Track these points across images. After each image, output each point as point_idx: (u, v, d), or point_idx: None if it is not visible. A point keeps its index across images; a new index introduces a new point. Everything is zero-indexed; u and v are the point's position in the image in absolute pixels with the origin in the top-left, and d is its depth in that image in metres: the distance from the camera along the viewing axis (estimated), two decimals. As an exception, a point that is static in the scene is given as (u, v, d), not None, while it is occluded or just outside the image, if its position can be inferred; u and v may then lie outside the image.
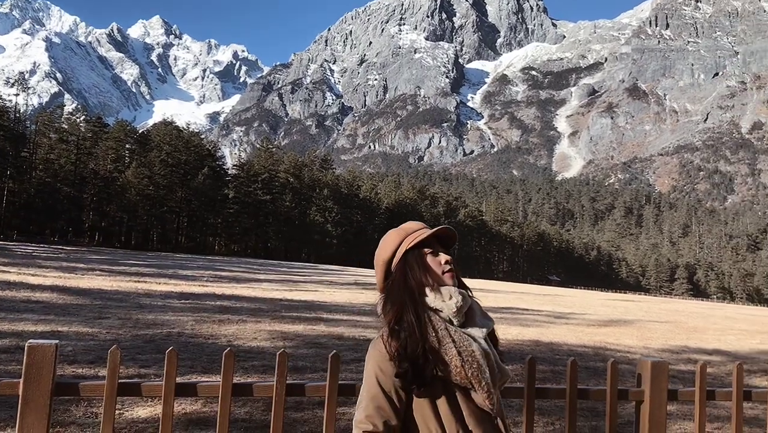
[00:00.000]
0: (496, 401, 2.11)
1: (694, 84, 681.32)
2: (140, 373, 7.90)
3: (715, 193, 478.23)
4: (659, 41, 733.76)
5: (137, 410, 6.29)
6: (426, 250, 2.26)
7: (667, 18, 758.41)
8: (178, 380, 2.39)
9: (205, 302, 18.51)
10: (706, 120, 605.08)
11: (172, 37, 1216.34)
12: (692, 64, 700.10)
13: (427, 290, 2.18)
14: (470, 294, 2.26)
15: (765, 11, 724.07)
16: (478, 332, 2.16)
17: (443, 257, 2.24)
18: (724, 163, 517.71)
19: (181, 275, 30.96)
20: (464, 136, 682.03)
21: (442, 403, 2.10)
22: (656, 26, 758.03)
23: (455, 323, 2.16)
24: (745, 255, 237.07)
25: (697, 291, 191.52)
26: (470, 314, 2.22)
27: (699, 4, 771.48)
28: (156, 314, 14.35)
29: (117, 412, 6.06)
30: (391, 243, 2.30)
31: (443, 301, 2.16)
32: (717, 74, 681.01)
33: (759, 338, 21.39)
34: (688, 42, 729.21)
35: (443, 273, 2.22)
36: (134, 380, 2.90)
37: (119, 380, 2.41)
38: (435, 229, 2.28)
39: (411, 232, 2.29)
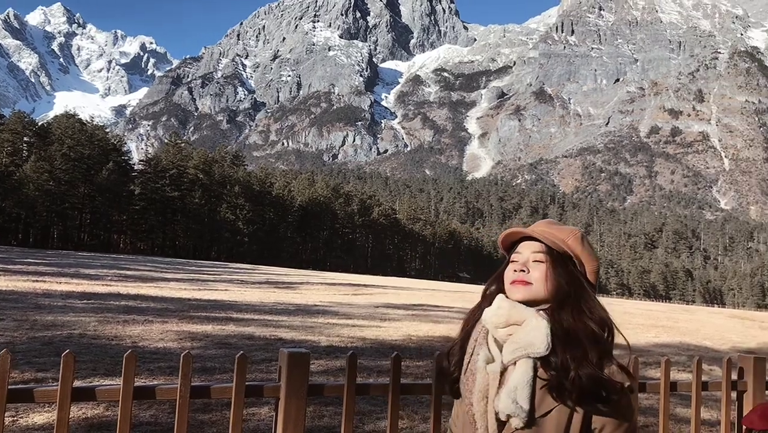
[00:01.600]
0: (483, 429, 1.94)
1: (597, 89, 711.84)
2: (37, 377, 7.54)
3: (615, 193, 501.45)
4: (565, 47, 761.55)
5: (33, 416, 6.00)
6: (513, 256, 2.11)
7: (572, 24, 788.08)
8: (78, 383, 2.31)
9: (109, 301, 17.85)
10: (607, 124, 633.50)
11: (75, 26, 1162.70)
12: (595, 70, 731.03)
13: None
14: (557, 315, 1.96)
15: (662, 22, 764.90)
16: (509, 352, 1.93)
17: (518, 265, 2.05)
18: (624, 166, 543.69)
19: (83, 274, 29.70)
20: (378, 135, 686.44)
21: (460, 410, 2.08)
22: (562, 32, 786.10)
23: (494, 336, 2.01)
24: (642, 253, 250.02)
25: (598, 287, 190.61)
26: (521, 333, 1.95)
27: (602, 12, 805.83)
28: (56, 315, 13.71)
29: (11, 419, 5.77)
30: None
31: (488, 310, 2.07)
32: (618, 80, 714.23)
33: (654, 332, 22.53)
34: (592, 48, 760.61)
35: (510, 282, 2.05)
36: (28, 385, 2.74)
37: (10, 386, 2.30)
38: (504, 232, 2.15)
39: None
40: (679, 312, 47.90)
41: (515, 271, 2.02)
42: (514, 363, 1.91)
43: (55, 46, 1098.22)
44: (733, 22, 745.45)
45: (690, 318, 36.93)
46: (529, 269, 2.01)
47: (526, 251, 2.05)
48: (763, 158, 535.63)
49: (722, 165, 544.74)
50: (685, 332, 23.62)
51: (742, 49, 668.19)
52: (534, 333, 1.91)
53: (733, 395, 3.59)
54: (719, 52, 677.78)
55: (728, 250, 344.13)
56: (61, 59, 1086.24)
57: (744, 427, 3.36)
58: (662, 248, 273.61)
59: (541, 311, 1.97)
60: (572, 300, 1.98)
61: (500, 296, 2.05)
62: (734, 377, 3.61)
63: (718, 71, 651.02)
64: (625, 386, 1.87)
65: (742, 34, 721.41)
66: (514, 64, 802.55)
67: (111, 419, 6.02)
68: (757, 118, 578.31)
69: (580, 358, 1.87)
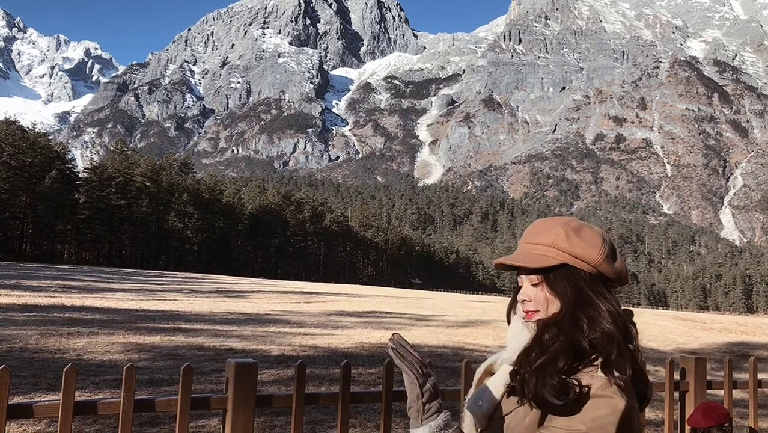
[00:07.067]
0: None
1: (544, 97, 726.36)
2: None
3: (563, 199, 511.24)
4: (512, 55, 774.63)
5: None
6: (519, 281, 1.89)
7: (519, 33, 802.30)
8: (17, 399, 2.26)
9: (53, 313, 17.31)
10: (554, 131, 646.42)
11: (15, 30, 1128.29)
12: (542, 78, 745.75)
13: None
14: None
15: (605, 32, 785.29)
16: (491, 358, 1.98)
17: (520, 295, 1.87)
18: (571, 172, 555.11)
19: (24, 286, 28.76)
20: (329, 142, 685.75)
21: None
22: (510, 41, 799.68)
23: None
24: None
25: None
26: (509, 342, 1.93)
27: (548, 21, 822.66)
28: (-5, 329, 13.24)
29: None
30: None
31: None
32: (564, 88, 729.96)
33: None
34: (539, 57, 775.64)
35: (524, 312, 1.87)
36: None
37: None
38: (498, 260, 1.86)
39: None
40: (625, 315, 48.86)
41: (520, 301, 1.87)
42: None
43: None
44: (673, 33, 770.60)
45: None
46: (531, 297, 1.83)
47: (523, 278, 1.86)
48: (703, 164, 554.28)
49: (665, 171, 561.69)
50: (631, 334, 24.07)
51: (682, 58, 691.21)
52: (512, 343, 1.87)
53: (676, 395, 3.65)
54: (660, 62, 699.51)
55: (671, 253, 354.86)
56: (1, 64, 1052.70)
57: (689, 427, 3.41)
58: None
59: (530, 323, 1.85)
60: (571, 311, 1.76)
61: (515, 317, 1.92)
62: (677, 377, 3.67)
63: (659, 80, 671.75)
64: (583, 386, 1.64)
65: (681, 44, 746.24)
66: (463, 72, 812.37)
67: (54, 435, 5.85)
68: (696, 125, 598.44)
69: (542, 368, 1.71)
